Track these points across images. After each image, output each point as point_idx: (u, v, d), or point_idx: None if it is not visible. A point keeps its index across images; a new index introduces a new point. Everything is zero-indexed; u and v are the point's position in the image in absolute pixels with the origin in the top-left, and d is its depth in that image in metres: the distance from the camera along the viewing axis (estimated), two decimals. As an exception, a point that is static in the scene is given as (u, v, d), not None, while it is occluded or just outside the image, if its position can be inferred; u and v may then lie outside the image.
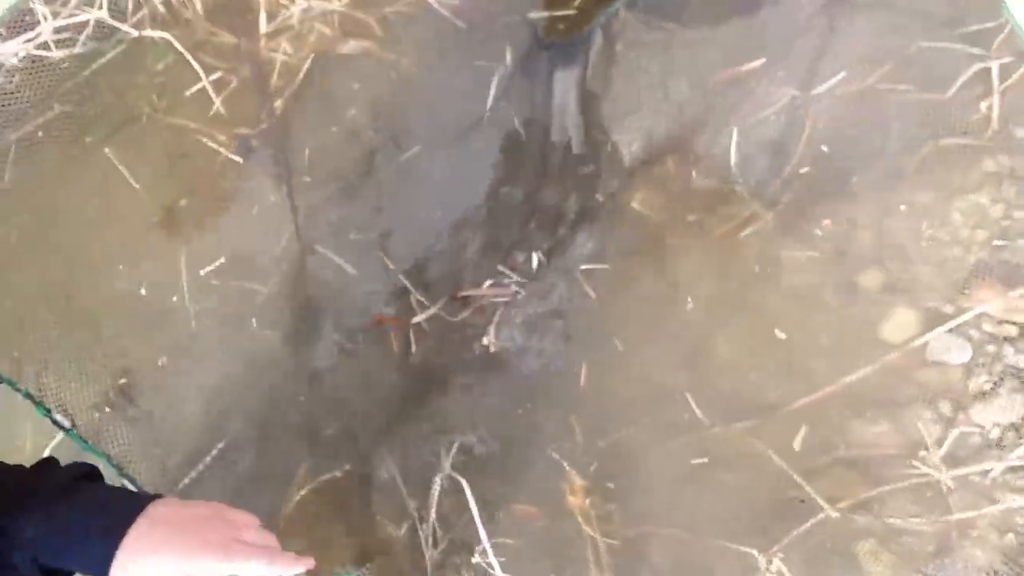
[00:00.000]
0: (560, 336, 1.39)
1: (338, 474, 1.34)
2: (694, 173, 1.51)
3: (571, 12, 1.81)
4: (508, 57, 1.73)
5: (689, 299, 1.37)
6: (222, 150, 1.67)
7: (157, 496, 0.67)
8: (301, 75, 1.77)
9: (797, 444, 1.27)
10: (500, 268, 1.42)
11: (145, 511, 0.64)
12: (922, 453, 1.15)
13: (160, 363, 1.43)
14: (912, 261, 1.25)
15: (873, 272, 1.28)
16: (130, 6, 1.90)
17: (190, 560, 0.63)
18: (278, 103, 1.71)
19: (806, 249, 1.33)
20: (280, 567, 0.67)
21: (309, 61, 1.78)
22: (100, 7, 1.87)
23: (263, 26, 1.82)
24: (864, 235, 1.29)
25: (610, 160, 1.55)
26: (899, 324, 1.21)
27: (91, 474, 0.70)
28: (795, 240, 1.35)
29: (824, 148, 1.41)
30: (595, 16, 1.70)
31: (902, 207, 1.30)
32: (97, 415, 1.47)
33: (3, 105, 1.93)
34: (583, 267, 1.47)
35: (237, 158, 1.66)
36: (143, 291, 1.43)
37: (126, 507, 0.64)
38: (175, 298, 1.57)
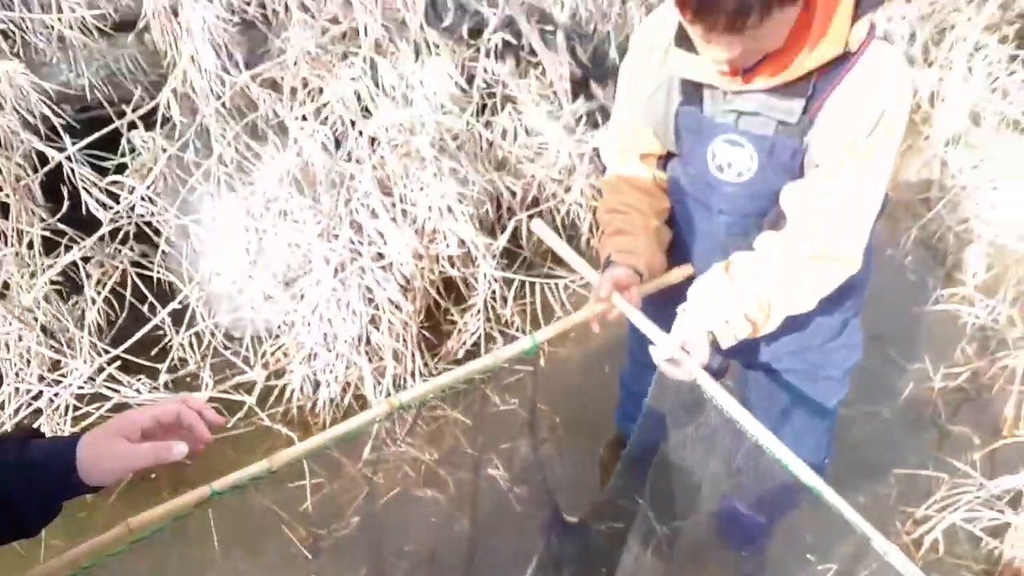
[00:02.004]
0: None
1: None
2: None
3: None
4: (553, 541, 2.09)
5: None
6: (297, 543, 1.97)
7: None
8: (381, 502, 2.14)
9: None
10: None
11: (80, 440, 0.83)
12: None
13: None
14: None
15: None
16: (271, 400, 2.40)
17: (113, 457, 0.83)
18: (355, 519, 2.06)
19: None
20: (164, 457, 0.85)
21: (391, 494, 2.17)
22: (251, 394, 2.37)
23: (366, 453, 2.27)
24: None
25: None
26: None
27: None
28: None
29: None
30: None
31: None
32: None
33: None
34: None
35: (307, 554, 1.95)
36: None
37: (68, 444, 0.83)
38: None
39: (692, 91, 1.32)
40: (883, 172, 1.27)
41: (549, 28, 2.90)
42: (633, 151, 1.50)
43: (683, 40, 1.23)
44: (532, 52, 2.89)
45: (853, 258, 1.32)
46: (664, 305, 1.41)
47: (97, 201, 2.20)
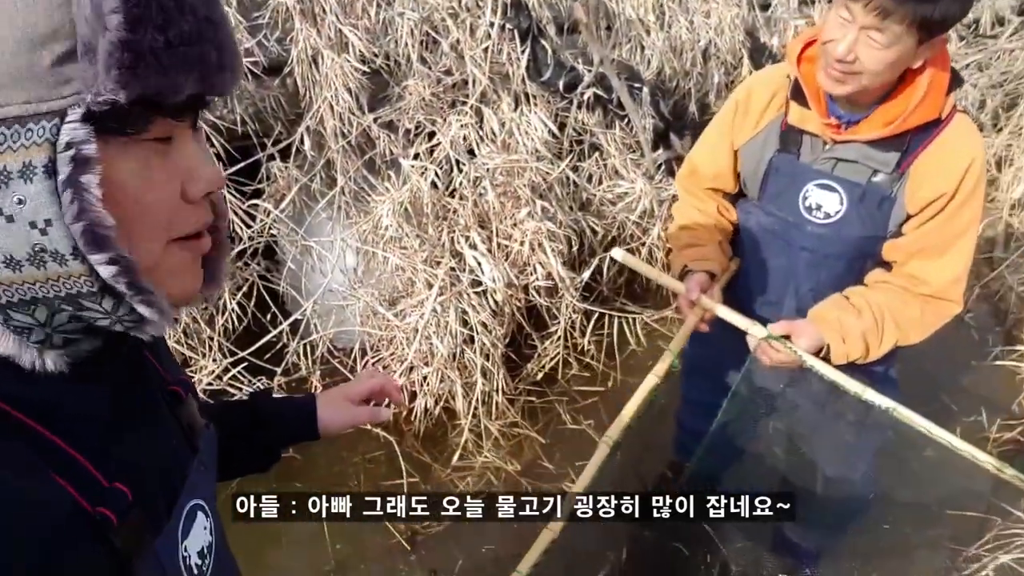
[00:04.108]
0: None
1: None
2: None
3: None
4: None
5: None
6: (397, 535, 2.22)
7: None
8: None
9: None
10: None
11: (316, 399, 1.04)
12: None
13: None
14: None
15: None
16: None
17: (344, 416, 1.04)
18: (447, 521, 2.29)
19: None
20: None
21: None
22: (354, 399, 2.63)
23: (455, 460, 2.51)
24: None
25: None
26: None
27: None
28: None
29: None
30: None
31: None
32: None
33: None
34: None
35: (407, 545, 2.19)
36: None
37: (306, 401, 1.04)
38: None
39: (791, 141, 1.55)
40: (976, 220, 1.48)
41: (636, 85, 3.17)
42: (703, 185, 1.76)
43: (798, 94, 1.48)
44: (619, 105, 3.15)
45: (959, 300, 1.52)
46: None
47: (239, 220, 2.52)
